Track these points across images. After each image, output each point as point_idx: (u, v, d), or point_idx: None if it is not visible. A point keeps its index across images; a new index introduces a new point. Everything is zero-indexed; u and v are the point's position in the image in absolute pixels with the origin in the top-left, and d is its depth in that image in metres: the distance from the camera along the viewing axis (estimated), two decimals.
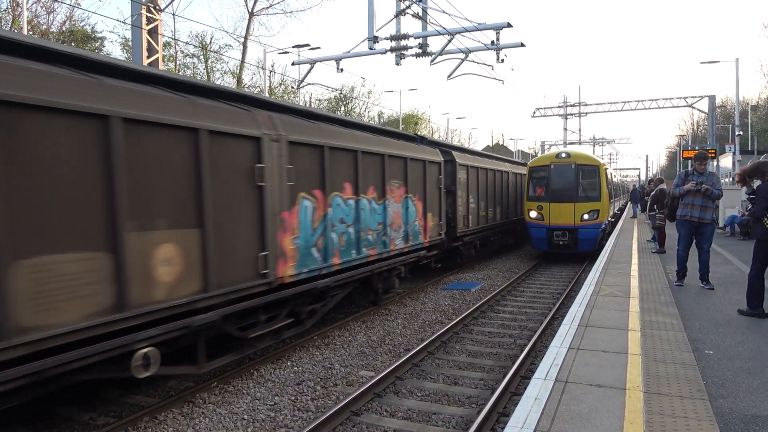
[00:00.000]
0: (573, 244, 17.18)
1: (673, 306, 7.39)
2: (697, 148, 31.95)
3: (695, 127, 70.56)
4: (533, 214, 17.82)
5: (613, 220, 22.87)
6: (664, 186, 14.59)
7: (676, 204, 8.94)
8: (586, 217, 16.94)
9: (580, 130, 46.04)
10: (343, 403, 6.09)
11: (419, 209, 12.10)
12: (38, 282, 4.43)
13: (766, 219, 6.73)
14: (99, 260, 4.92)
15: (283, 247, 7.46)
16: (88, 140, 4.86)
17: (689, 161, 37.41)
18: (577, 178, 17.26)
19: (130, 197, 5.19)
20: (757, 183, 7.06)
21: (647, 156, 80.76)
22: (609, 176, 20.31)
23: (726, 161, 33.42)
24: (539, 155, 18.65)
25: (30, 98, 4.36)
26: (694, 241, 8.80)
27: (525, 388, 4.54)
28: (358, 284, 10.02)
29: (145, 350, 5.40)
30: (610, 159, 71.43)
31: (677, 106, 36.64)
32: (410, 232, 11.59)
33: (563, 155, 17.84)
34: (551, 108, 42.74)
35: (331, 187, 8.62)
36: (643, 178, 67.49)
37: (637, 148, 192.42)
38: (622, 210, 34.09)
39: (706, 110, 34.34)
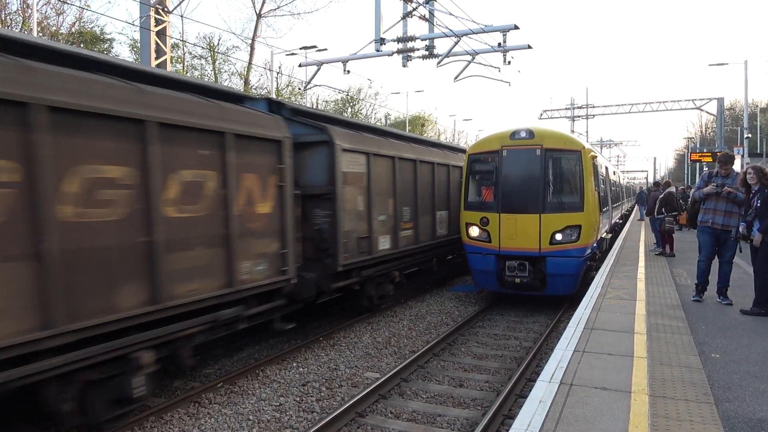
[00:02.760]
0: (537, 281, 10.75)
1: (679, 309, 7.35)
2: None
3: (704, 130, 70.15)
4: (474, 231, 11.25)
5: (610, 236, 16.25)
6: (673, 189, 14.43)
7: (697, 208, 8.00)
8: (558, 237, 10.50)
9: (587, 132, 45.98)
10: (348, 404, 6.10)
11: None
12: None
13: None
14: None
15: None
16: None
17: (697, 163, 37.30)
18: (545, 171, 10.72)
19: None
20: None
21: (655, 158, 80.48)
22: (603, 171, 14.01)
23: (735, 165, 33.23)
24: (486, 135, 12.30)
25: None
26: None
27: (530, 391, 4.54)
28: None
29: None
30: (618, 161, 71.08)
31: (685, 109, 36.53)
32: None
33: (522, 134, 11.03)
34: (558, 110, 42.69)
35: None
36: (650, 180, 67.12)
37: (645, 151, 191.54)
38: (624, 219, 27.99)
39: (715, 112, 34.19)
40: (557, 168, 11.02)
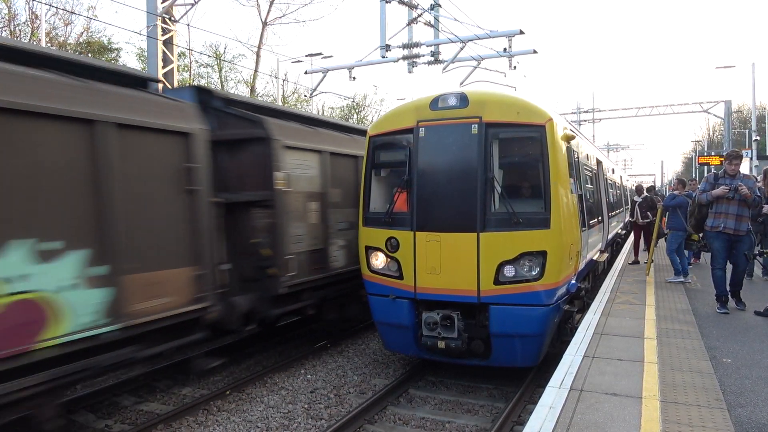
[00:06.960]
0: (479, 344, 6.70)
1: (689, 313, 7.29)
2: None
3: (711, 133, 69.84)
4: (378, 260, 7.23)
5: (607, 255, 12.14)
6: (647, 194, 13.81)
7: (704, 213, 7.50)
8: (510, 272, 6.47)
9: (594, 136, 45.80)
10: (356, 411, 6.09)
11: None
12: None
13: None
14: None
15: None
16: None
17: (705, 166, 37.09)
18: (486, 160, 6.63)
19: None
20: None
21: (662, 162, 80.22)
22: (591, 162, 10.18)
23: (743, 167, 33.07)
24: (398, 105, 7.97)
25: None
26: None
27: (540, 397, 4.51)
28: None
29: None
30: (625, 165, 70.64)
31: (692, 112, 36.40)
32: None
33: (451, 101, 6.87)
34: (565, 114, 42.59)
35: None
36: (658, 184, 66.88)
37: (652, 154, 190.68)
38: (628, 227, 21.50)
39: (722, 115, 34.04)
40: (507, 154, 6.95)
